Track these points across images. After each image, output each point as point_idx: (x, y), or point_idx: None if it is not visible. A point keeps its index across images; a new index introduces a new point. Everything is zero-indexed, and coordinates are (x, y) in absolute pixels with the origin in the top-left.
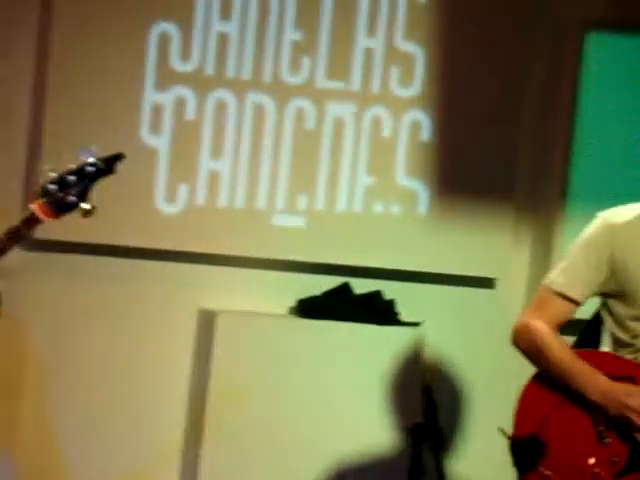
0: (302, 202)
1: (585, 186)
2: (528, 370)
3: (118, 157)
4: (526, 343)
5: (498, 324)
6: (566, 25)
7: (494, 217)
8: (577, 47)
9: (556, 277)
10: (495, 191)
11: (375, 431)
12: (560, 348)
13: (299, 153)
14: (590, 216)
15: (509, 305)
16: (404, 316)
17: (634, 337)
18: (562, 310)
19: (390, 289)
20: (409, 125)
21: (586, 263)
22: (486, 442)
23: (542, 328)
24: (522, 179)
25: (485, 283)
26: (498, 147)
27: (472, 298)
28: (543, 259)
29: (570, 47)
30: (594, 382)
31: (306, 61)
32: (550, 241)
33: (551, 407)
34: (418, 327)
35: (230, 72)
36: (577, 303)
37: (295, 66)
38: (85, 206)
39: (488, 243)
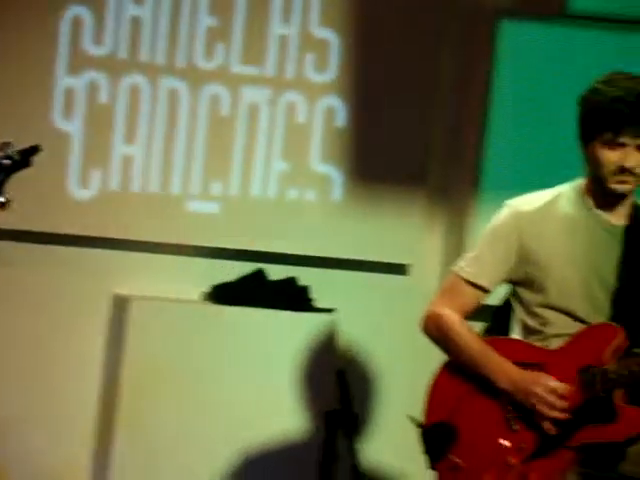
0: (216, 188)
1: (497, 173)
2: (440, 357)
3: (34, 149)
4: (436, 331)
5: (411, 310)
6: (478, 13)
7: (408, 203)
8: (490, 34)
9: (465, 265)
10: (409, 178)
11: (289, 417)
12: (469, 336)
13: (213, 139)
14: (502, 203)
15: (422, 291)
16: (318, 302)
17: (543, 324)
18: (471, 298)
19: (304, 275)
20: (324, 111)
21: (495, 251)
22: (399, 428)
23: (452, 316)
24: (435, 166)
25: (398, 269)
26: (412, 134)
27: (385, 284)
28: (456, 245)
29: (483, 35)
30: (503, 370)
31: (220, 47)
32: (463, 227)
33: (461, 395)
34: (332, 313)
35: (144, 57)
36: (486, 291)
37: (209, 51)
38: (0, 199)
39: (402, 229)
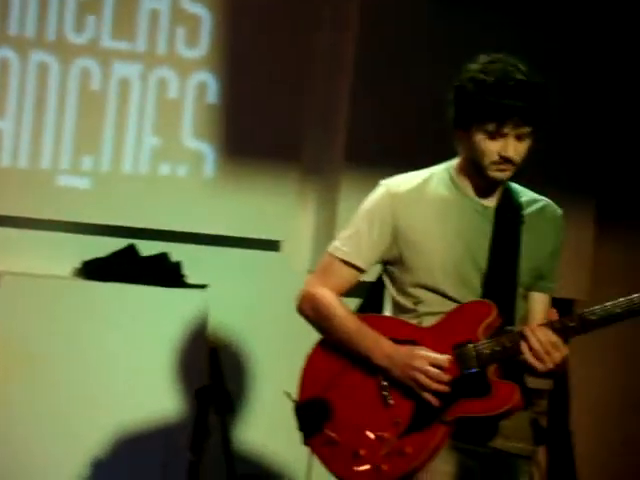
0: (87, 163)
1: (364, 152)
2: (315, 334)
3: None
4: (311, 310)
5: (284, 286)
6: None
7: (280, 180)
8: (359, 12)
9: (341, 245)
10: (281, 154)
11: (162, 394)
12: (345, 314)
13: (84, 114)
14: (370, 182)
15: (294, 267)
16: (190, 278)
17: (415, 303)
18: (346, 277)
19: (176, 251)
20: (195, 86)
21: (369, 231)
22: (275, 405)
23: (327, 295)
24: (308, 143)
25: (271, 245)
26: (284, 110)
27: (258, 260)
28: (328, 223)
29: (352, 12)
30: (379, 346)
31: (91, 20)
32: (335, 205)
33: (336, 371)
34: (204, 289)
35: (13, 30)
36: (361, 271)
37: (80, 25)
38: None
39: (274, 206)
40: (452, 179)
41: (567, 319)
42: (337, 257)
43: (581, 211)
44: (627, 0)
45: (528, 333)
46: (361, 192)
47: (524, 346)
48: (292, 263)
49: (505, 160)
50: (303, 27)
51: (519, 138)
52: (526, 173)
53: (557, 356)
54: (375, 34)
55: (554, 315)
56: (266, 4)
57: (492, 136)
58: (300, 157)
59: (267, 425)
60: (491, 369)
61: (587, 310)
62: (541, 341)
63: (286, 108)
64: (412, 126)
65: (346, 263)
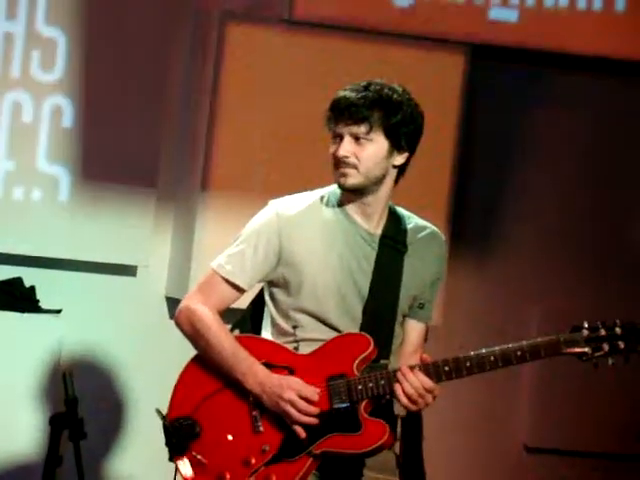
0: None
1: (224, 177)
2: (171, 357)
3: None
4: (188, 326)
5: (139, 311)
6: (206, 17)
7: (136, 205)
8: (218, 39)
9: (224, 262)
10: (137, 179)
11: (15, 421)
12: (221, 335)
13: None
14: (227, 208)
15: (150, 292)
16: (44, 303)
17: (294, 327)
18: (227, 296)
19: (30, 276)
20: (50, 110)
21: (254, 251)
22: (129, 429)
23: (205, 312)
24: (164, 168)
25: (127, 270)
26: (141, 135)
27: (114, 285)
28: (184, 248)
29: (211, 38)
30: (252, 372)
31: None
32: (191, 231)
33: (209, 391)
34: (58, 315)
35: None
36: (242, 290)
37: None
38: None
39: (130, 231)
40: (340, 203)
41: (442, 363)
42: (220, 274)
43: None
44: None
45: (401, 378)
46: (218, 218)
47: (398, 388)
48: (148, 288)
49: (338, 161)
50: (161, 51)
51: (356, 139)
52: None
53: (429, 398)
54: (234, 59)
55: (427, 359)
56: (123, 28)
57: (333, 138)
58: (157, 182)
59: (121, 449)
60: (362, 404)
61: (462, 356)
62: (415, 386)
63: (143, 133)
64: (272, 153)
65: (228, 282)
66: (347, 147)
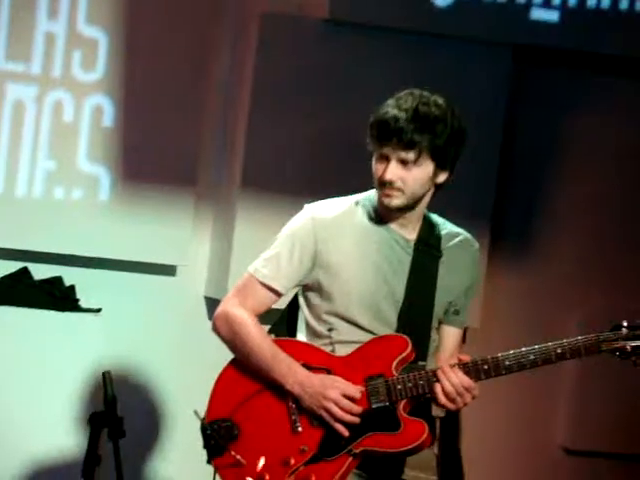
0: None
1: (264, 176)
2: (210, 357)
3: None
4: (227, 330)
5: (178, 311)
6: (247, 17)
7: (176, 204)
8: (258, 38)
9: (261, 266)
10: (177, 179)
11: (55, 420)
12: (260, 337)
13: None
14: (266, 208)
15: (190, 292)
16: (84, 303)
17: (329, 330)
18: (264, 299)
19: (70, 275)
20: (91, 110)
21: (290, 255)
22: (169, 429)
23: (243, 316)
24: (204, 167)
25: (166, 270)
26: (181, 135)
27: (153, 285)
28: (224, 248)
29: (251, 38)
30: (292, 373)
31: None
32: (231, 230)
33: (247, 393)
34: (98, 314)
35: None
36: (279, 294)
37: None
38: None
39: (169, 230)
40: (375, 209)
41: (481, 361)
42: (256, 278)
43: (476, 237)
44: None
45: (441, 376)
46: (257, 218)
47: (437, 387)
48: (187, 288)
49: (383, 183)
50: (201, 50)
51: (403, 164)
52: None
53: (468, 397)
54: (274, 59)
55: (466, 357)
56: (163, 28)
57: (379, 158)
58: (196, 182)
59: (160, 450)
60: (401, 404)
61: (501, 354)
62: (454, 384)
63: (183, 132)
64: (310, 153)
65: (264, 285)
66: (394, 171)
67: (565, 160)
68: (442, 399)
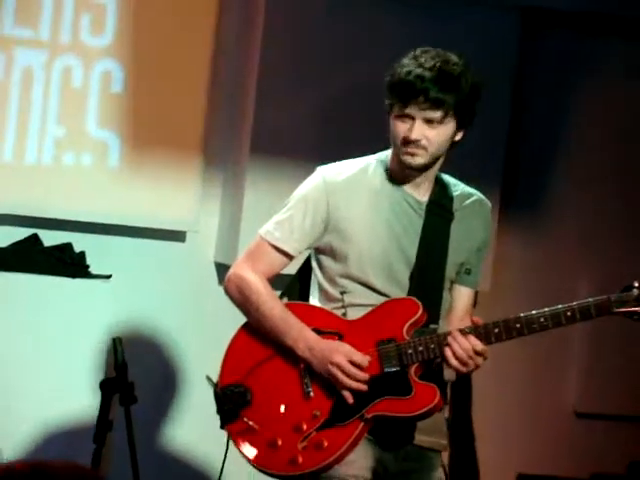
0: None
1: (273, 141)
2: (221, 323)
3: None
4: (238, 293)
5: (188, 277)
6: None
7: (185, 170)
8: (264, 3)
9: (272, 229)
10: (186, 145)
11: (65, 385)
12: (271, 301)
13: None
14: (276, 173)
15: (199, 258)
16: (94, 269)
17: (342, 293)
18: (276, 262)
19: (80, 241)
20: (100, 75)
21: (302, 218)
22: (181, 394)
23: (254, 279)
24: (213, 133)
25: (176, 236)
26: (189, 100)
27: (163, 251)
28: (233, 213)
29: (258, 2)
30: (302, 337)
31: None
32: (240, 196)
33: (259, 358)
34: (108, 280)
35: None
36: (291, 257)
37: None
38: None
39: (179, 196)
40: (387, 170)
41: (492, 325)
42: (268, 241)
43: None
44: None
45: (451, 340)
46: (266, 183)
47: (448, 350)
48: (197, 254)
49: (408, 142)
50: (208, 15)
51: (429, 122)
52: None
53: (479, 360)
54: (281, 23)
55: (479, 321)
56: None
57: (401, 117)
58: (205, 147)
59: (172, 415)
60: (412, 368)
61: (512, 317)
62: (465, 348)
63: (191, 98)
64: (319, 118)
65: (276, 248)
66: (419, 130)
67: (575, 125)
68: (453, 362)
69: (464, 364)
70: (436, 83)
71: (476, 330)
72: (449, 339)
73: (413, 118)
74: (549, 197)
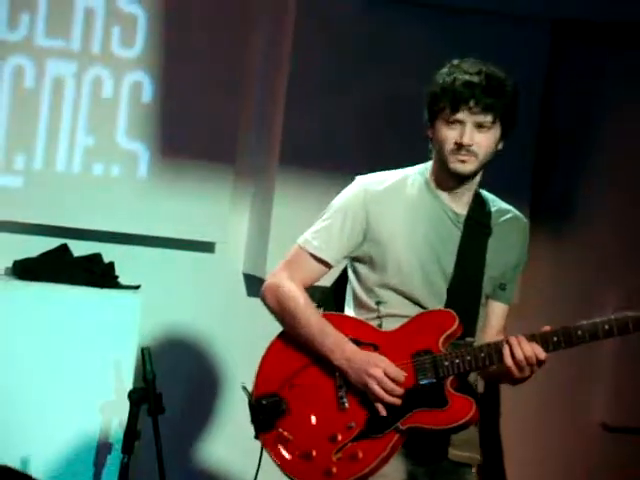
0: (20, 161)
1: (302, 152)
2: (250, 334)
3: None
4: (275, 302)
5: (217, 288)
6: None
7: (214, 181)
8: (295, 11)
9: (311, 238)
10: (215, 156)
11: (94, 395)
12: (309, 311)
13: (17, 111)
14: (304, 185)
15: (228, 269)
16: (123, 279)
17: (378, 303)
18: (313, 271)
19: (109, 252)
20: (130, 86)
21: (341, 227)
22: (208, 405)
23: (292, 288)
24: (242, 144)
25: (205, 247)
26: (219, 112)
27: (192, 262)
28: (262, 225)
29: (288, 17)
30: (340, 348)
31: (25, 17)
32: (269, 207)
33: (295, 368)
34: (137, 290)
35: None
36: (329, 266)
37: (14, 22)
38: None
39: (208, 207)
40: (426, 182)
41: (551, 333)
42: (306, 250)
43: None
44: None
45: (514, 342)
46: (295, 195)
47: (506, 349)
48: (226, 265)
49: (460, 147)
50: (239, 28)
51: (479, 127)
52: None
53: (536, 368)
54: (311, 37)
55: (546, 328)
56: (202, 4)
57: (450, 123)
58: (235, 159)
59: (201, 426)
60: (448, 381)
61: (573, 325)
62: (527, 355)
63: (221, 109)
64: (348, 131)
65: (315, 257)
66: (471, 135)
67: (604, 136)
68: (511, 366)
69: (521, 369)
70: (486, 87)
71: (537, 337)
72: (511, 340)
73: (463, 123)
74: (577, 210)
